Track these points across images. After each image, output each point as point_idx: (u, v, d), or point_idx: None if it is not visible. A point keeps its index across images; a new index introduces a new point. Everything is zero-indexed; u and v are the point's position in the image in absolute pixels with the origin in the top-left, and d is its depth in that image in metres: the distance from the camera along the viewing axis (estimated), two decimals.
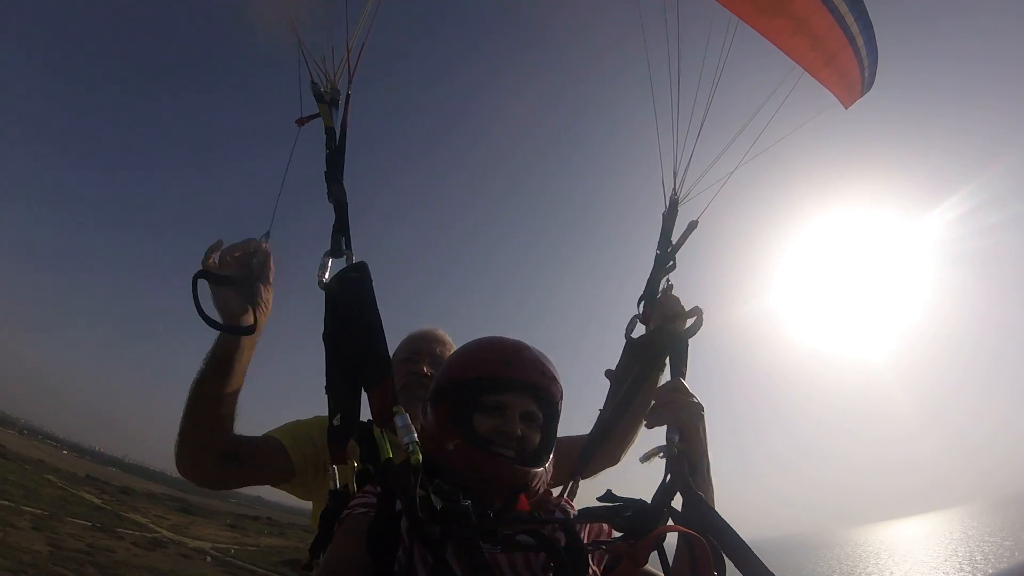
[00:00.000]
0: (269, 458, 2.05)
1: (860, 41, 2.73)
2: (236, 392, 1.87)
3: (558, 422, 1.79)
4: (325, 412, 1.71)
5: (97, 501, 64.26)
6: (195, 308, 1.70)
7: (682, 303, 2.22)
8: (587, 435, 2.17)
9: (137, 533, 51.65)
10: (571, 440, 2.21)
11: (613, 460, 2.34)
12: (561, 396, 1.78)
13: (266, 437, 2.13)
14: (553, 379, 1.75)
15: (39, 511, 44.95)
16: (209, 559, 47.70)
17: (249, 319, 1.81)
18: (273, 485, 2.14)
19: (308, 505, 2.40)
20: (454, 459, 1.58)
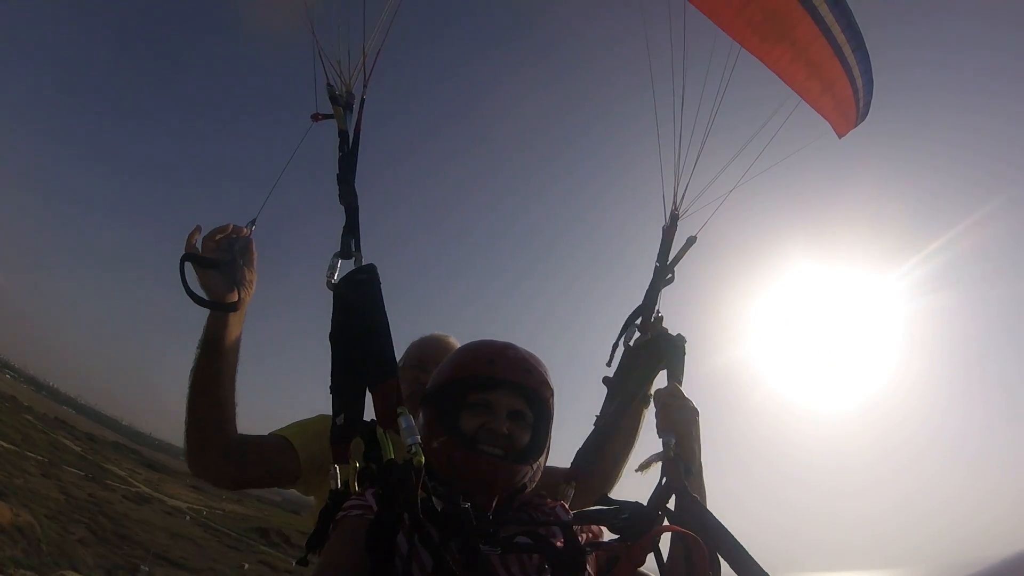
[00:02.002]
0: (277, 454, 2.01)
1: (856, 72, 2.77)
2: (231, 375, 1.85)
3: (551, 422, 1.76)
4: (329, 411, 1.72)
5: (77, 449, 67.35)
6: (184, 289, 1.73)
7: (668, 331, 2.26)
8: (584, 443, 2.13)
9: (122, 487, 54.59)
10: (553, 470, 2.10)
11: (612, 477, 2.23)
12: (552, 396, 1.75)
13: (272, 435, 2.09)
14: (541, 378, 1.72)
15: (40, 458, 47.35)
16: (188, 518, 49.80)
17: (233, 297, 1.82)
18: (281, 486, 2.09)
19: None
20: (438, 457, 1.59)
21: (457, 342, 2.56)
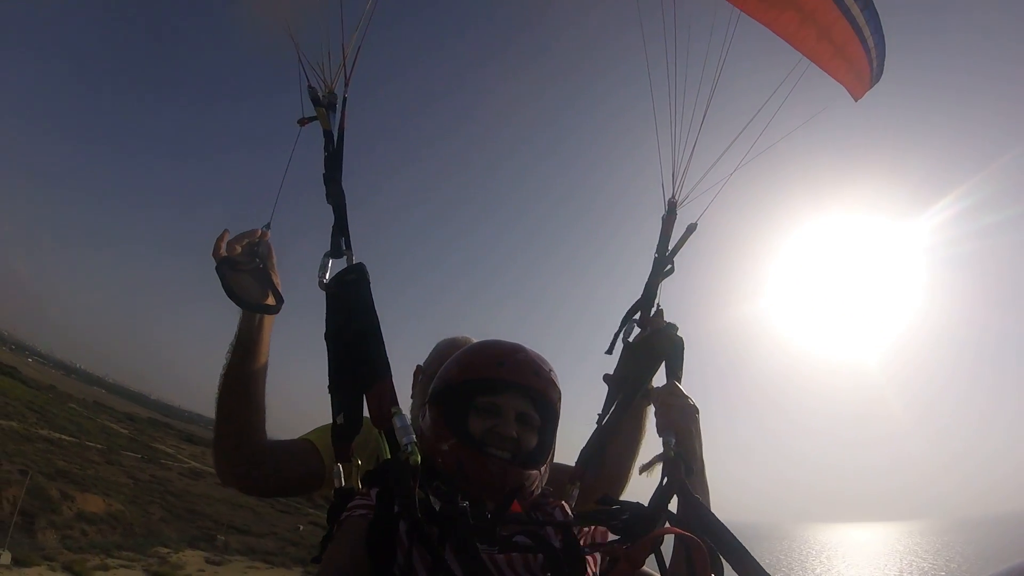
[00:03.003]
0: (305, 456, 2.00)
1: (867, 32, 2.66)
2: (263, 378, 1.87)
3: (557, 424, 1.75)
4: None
5: (125, 432, 71.21)
6: (228, 295, 1.74)
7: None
8: (587, 443, 2.10)
9: (176, 464, 58.47)
10: (558, 467, 2.05)
11: (620, 478, 2.16)
12: (559, 398, 1.73)
13: (298, 439, 2.08)
14: (549, 380, 1.70)
15: (99, 446, 50.70)
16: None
17: (270, 300, 1.84)
18: (309, 491, 2.07)
19: None
20: (448, 460, 1.57)
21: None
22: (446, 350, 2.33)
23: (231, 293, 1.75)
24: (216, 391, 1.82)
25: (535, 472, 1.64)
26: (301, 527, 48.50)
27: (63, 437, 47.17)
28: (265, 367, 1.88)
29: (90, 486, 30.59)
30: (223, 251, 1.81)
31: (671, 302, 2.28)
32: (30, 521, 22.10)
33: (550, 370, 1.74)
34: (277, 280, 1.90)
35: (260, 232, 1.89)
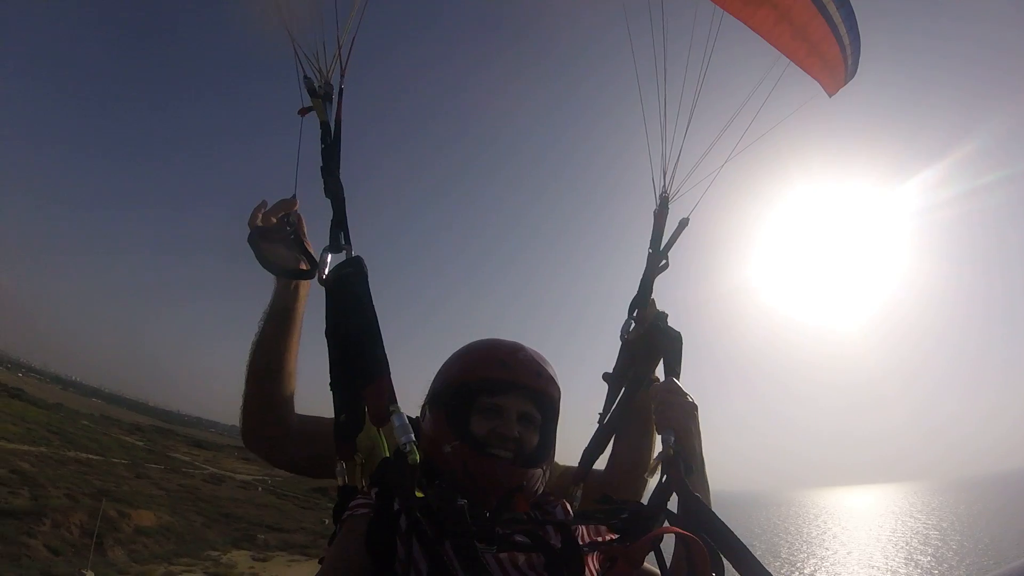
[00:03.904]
0: (331, 434, 1.88)
1: (843, 30, 2.68)
2: (296, 348, 1.86)
3: (557, 423, 1.76)
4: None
5: (140, 444, 71.94)
6: (261, 264, 1.75)
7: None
8: (589, 443, 2.10)
9: (196, 471, 59.32)
10: (560, 469, 2.08)
11: (635, 473, 2.06)
12: (559, 396, 1.73)
13: (329, 420, 1.97)
14: (550, 379, 1.71)
15: (124, 461, 51.22)
16: (260, 489, 56.15)
17: (304, 266, 1.81)
18: (327, 471, 1.91)
19: None
20: (451, 461, 1.57)
21: None
22: None
23: (264, 261, 1.76)
24: (247, 358, 1.83)
25: (537, 471, 1.64)
26: (327, 520, 49.77)
27: (91, 457, 48.03)
28: (298, 336, 1.87)
29: (132, 502, 32.46)
30: (259, 221, 1.82)
31: (662, 282, 2.28)
32: (99, 541, 24.19)
33: (551, 369, 1.74)
34: (310, 247, 1.87)
35: (291, 201, 1.89)
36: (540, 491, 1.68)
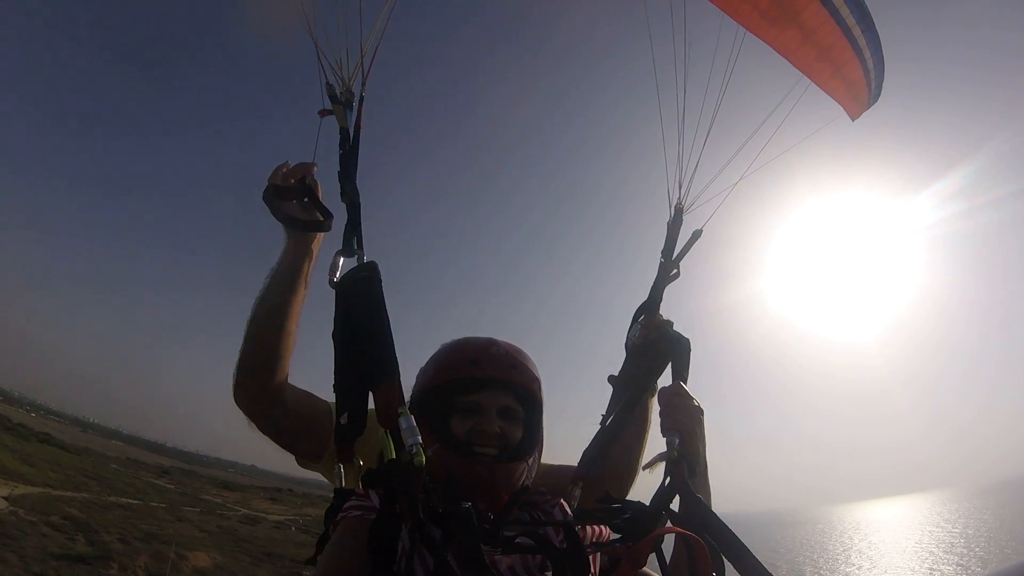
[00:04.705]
0: (317, 413, 1.94)
1: (867, 54, 2.69)
2: (299, 310, 1.82)
3: (542, 413, 1.73)
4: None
5: (171, 487, 72.54)
6: (275, 216, 1.78)
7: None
8: (590, 443, 2.08)
9: (230, 512, 60.33)
10: (560, 469, 2.07)
11: (626, 478, 2.11)
12: (539, 386, 1.71)
13: (323, 400, 2.00)
14: (526, 370, 1.69)
15: (163, 505, 52.12)
16: (293, 528, 57.32)
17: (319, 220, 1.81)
18: (309, 451, 1.96)
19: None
20: (434, 466, 1.51)
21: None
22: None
23: (279, 214, 1.77)
24: (249, 315, 1.80)
25: (522, 464, 1.62)
26: None
27: (130, 501, 48.82)
28: (302, 299, 1.84)
29: (182, 544, 34.14)
30: (279, 179, 1.83)
31: (675, 295, 2.27)
32: None
33: (527, 360, 1.72)
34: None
35: (310, 165, 1.90)
36: (526, 483, 1.64)
